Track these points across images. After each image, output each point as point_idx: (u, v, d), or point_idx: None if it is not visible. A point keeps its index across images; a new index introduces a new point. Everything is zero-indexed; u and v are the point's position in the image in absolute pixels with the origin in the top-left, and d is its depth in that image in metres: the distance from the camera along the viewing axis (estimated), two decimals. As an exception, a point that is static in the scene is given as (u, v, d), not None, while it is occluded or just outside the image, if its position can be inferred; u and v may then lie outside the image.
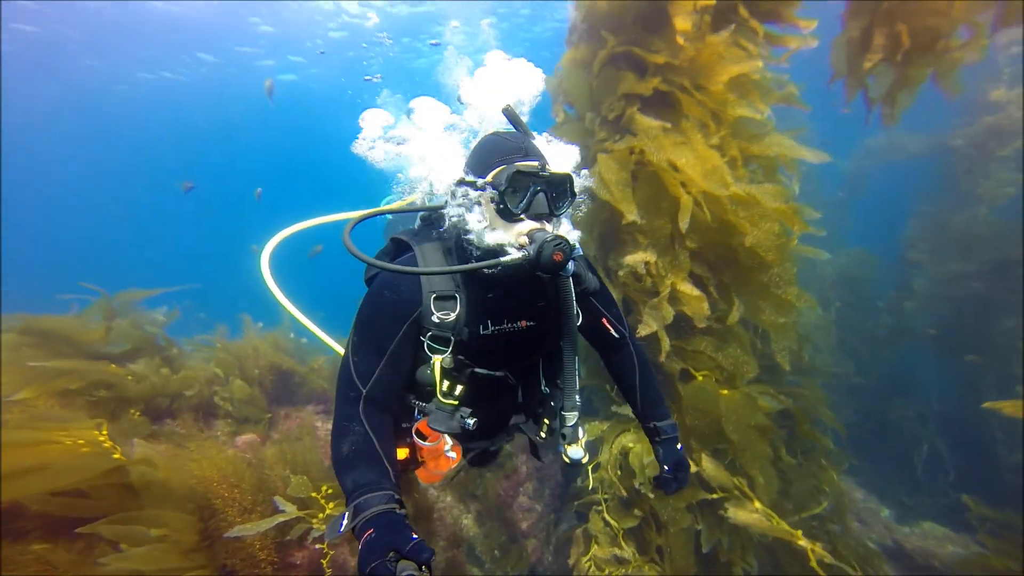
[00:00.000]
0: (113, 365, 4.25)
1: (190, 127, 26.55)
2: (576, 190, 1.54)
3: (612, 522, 4.42)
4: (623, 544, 4.34)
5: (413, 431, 1.60)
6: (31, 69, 16.65)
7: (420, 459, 1.69)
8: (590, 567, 4.37)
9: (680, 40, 3.62)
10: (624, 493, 4.29)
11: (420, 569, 1.05)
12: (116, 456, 3.08)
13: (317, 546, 3.64)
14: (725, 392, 3.80)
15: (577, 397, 1.68)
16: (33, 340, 4.18)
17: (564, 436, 1.72)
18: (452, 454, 1.62)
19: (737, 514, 3.62)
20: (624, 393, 1.94)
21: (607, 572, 4.33)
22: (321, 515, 3.40)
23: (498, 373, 1.67)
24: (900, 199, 11.75)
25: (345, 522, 1.21)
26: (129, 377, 4.26)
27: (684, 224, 3.36)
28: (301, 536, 3.44)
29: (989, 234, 8.38)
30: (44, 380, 3.73)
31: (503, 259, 1.39)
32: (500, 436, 1.95)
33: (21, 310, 4.36)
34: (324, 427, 5.20)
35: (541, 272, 1.38)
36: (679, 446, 1.85)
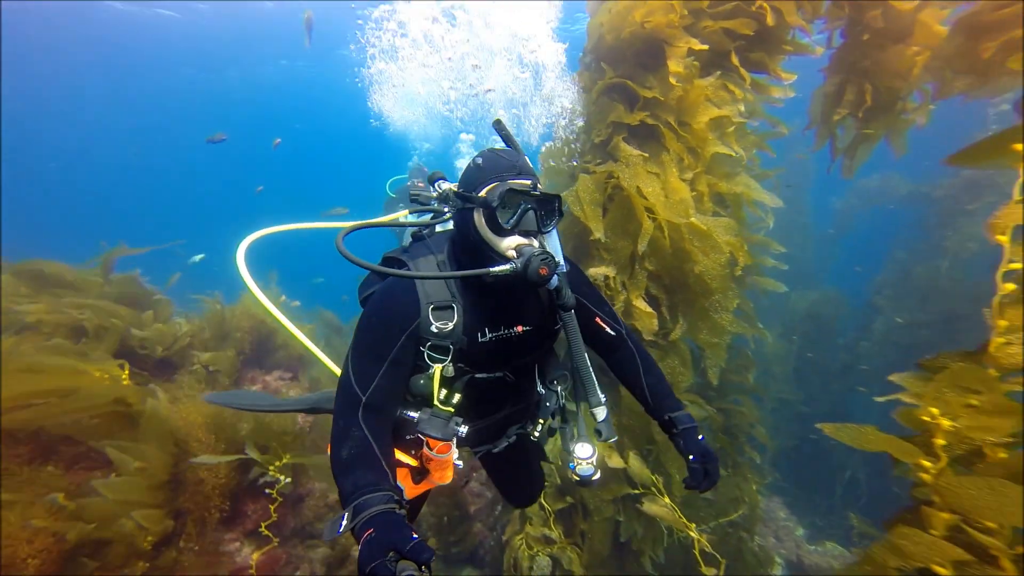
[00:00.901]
0: (123, 309, 4.56)
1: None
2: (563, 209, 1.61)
3: (546, 506, 4.86)
4: (552, 526, 4.79)
5: (425, 443, 1.62)
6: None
7: (427, 469, 1.71)
8: (521, 544, 4.82)
9: (672, 80, 3.91)
10: (559, 481, 4.72)
11: (420, 569, 1.05)
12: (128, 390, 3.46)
13: (268, 491, 4.02)
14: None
15: (600, 394, 1.73)
16: (35, 284, 4.48)
17: (571, 450, 1.79)
18: (459, 463, 1.69)
19: (650, 507, 4.06)
20: (632, 391, 1.94)
21: (535, 550, 4.79)
22: (277, 463, 3.77)
23: (497, 374, 1.74)
24: (881, 242, 12.19)
25: (344, 522, 1.20)
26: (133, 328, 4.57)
27: (642, 247, 3.71)
28: (253, 481, 3.81)
29: (947, 287, 8.84)
30: (61, 312, 4.05)
31: (492, 269, 1.45)
32: (501, 439, 1.99)
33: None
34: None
35: (527, 284, 1.45)
36: (700, 436, 1.80)
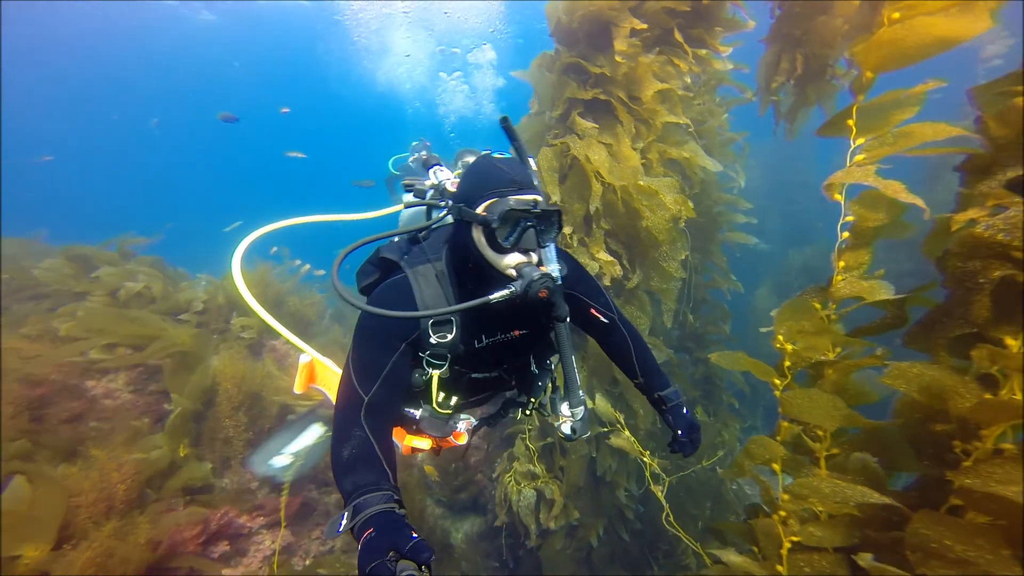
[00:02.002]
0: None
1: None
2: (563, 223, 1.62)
3: (530, 445, 5.50)
4: (536, 463, 5.44)
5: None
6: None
7: (440, 447, 1.94)
8: (510, 480, 5.49)
9: (618, 58, 4.32)
10: (538, 424, 5.34)
11: (420, 569, 1.05)
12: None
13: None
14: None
15: (581, 393, 1.78)
16: (82, 265, 5.31)
17: (555, 412, 1.87)
18: (465, 433, 1.84)
19: (616, 441, 4.64)
20: (624, 370, 2.04)
21: (522, 484, 5.46)
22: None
23: (492, 374, 1.79)
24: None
25: (344, 522, 1.21)
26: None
27: (593, 207, 4.20)
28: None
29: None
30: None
31: (493, 297, 1.45)
32: (495, 416, 2.13)
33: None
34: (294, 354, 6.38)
35: (526, 306, 1.47)
36: (685, 410, 1.97)
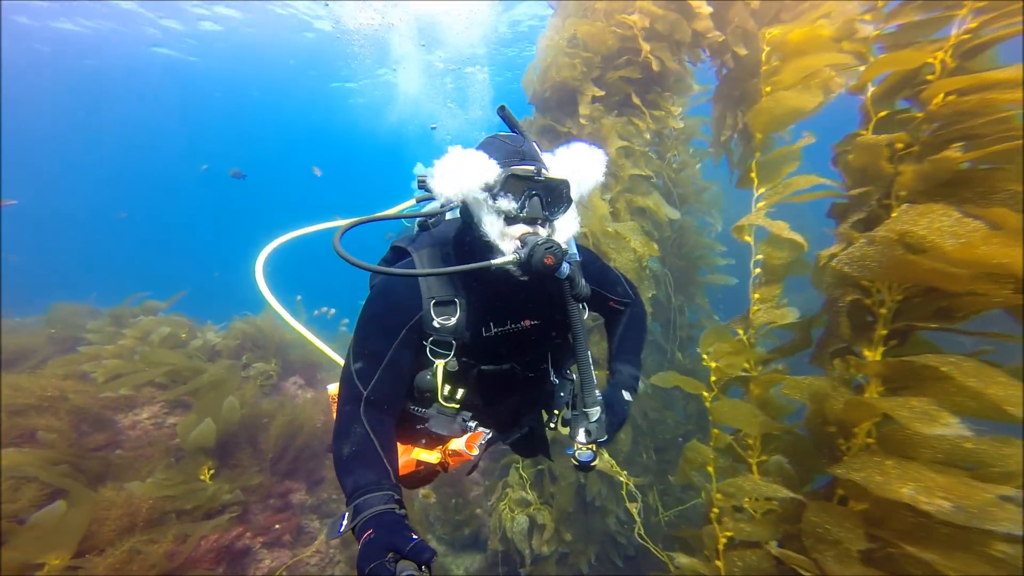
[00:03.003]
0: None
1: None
2: (572, 195, 1.52)
3: (523, 473, 5.85)
4: (528, 490, 5.77)
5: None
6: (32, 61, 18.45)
7: (448, 462, 1.71)
8: (504, 508, 5.82)
9: (582, 121, 4.98)
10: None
11: (420, 569, 1.04)
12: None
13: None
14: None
15: (597, 392, 1.64)
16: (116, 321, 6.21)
17: (575, 436, 1.63)
18: (476, 452, 1.63)
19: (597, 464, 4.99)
20: (609, 341, 1.96)
21: (515, 511, 5.78)
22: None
23: (505, 367, 1.68)
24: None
25: (345, 522, 1.21)
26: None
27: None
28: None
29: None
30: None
31: (494, 261, 1.39)
32: (512, 431, 1.95)
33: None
34: (301, 394, 6.89)
35: (533, 275, 1.40)
36: (624, 392, 1.77)
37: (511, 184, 1.43)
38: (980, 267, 1.95)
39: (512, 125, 1.68)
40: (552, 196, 1.48)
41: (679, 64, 4.89)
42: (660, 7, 4.66)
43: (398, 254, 1.71)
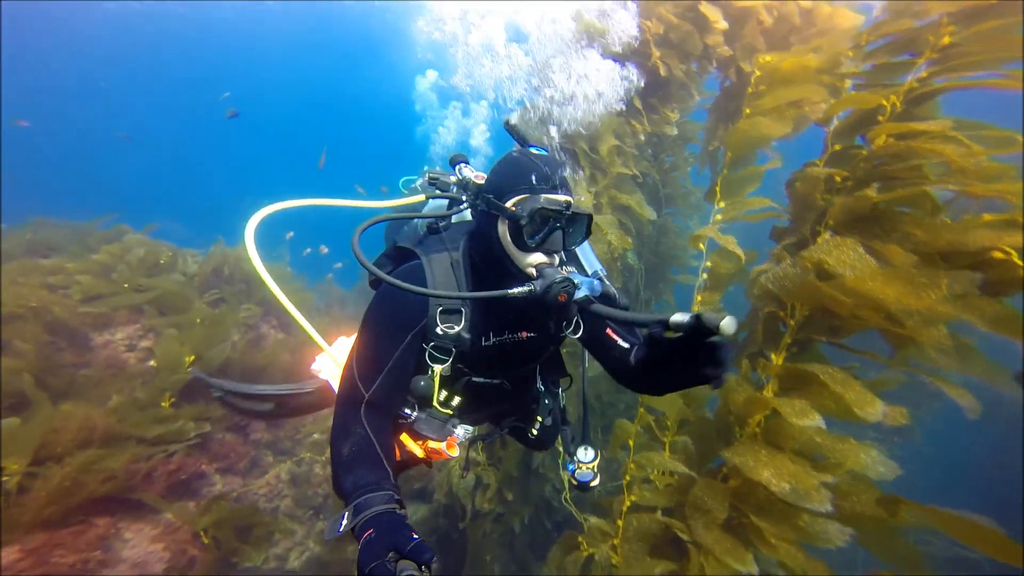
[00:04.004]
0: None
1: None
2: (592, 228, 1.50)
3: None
4: (479, 451, 6.17)
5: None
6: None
7: (430, 459, 1.74)
8: (454, 465, 6.22)
9: (582, 114, 5.23)
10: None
11: (420, 569, 1.05)
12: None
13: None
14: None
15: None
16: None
17: (572, 455, 1.73)
18: (456, 452, 1.68)
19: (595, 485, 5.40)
20: (622, 378, 1.69)
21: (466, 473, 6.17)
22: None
23: (495, 381, 1.69)
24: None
25: (344, 522, 1.21)
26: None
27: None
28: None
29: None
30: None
31: (509, 292, 1.38)
32: (495, 431, 2.00)
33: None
34: (274, 335, 7.30)
35: (544, 308, 1.39)
36: None
37: (539, 214, 1.40)
38: (864, 298, 2.28)
39: (523, 141, 1.65)
40: (574, 229, 1.49)
41: (685, 74, 5.12)
42: (677, 16, 4.88)
43: (404, 255, 1.69)
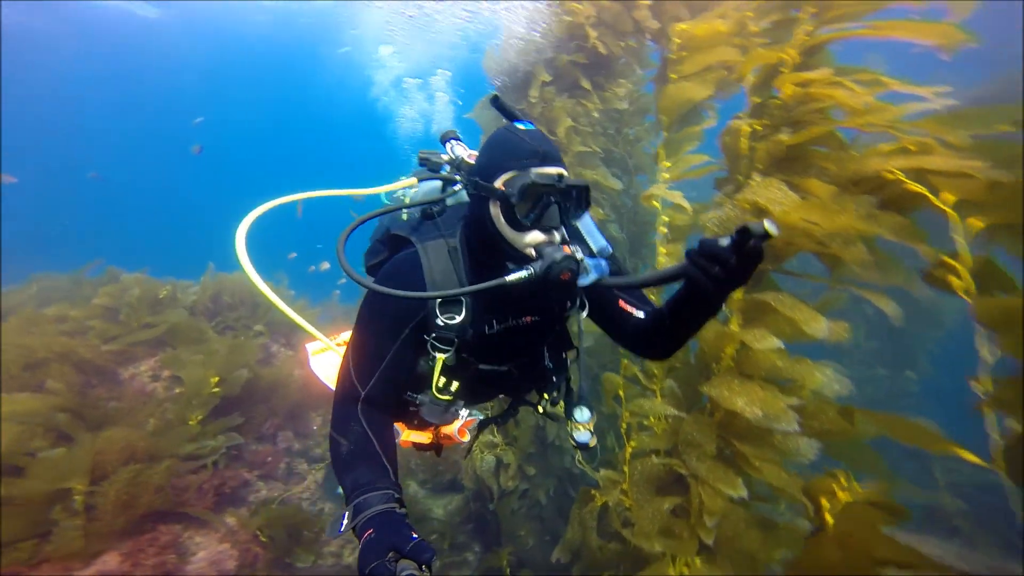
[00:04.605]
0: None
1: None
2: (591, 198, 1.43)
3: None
4: (495, 433, 6.50)
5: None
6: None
7: (440, 444, 1.76)
8: (476, 450, 6.56)
9: (532, 100, 5.51)
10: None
11: (420, 569, 1.05)
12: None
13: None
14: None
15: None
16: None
17: (570, 417, 1.71)
18: (467, 437, 1.68)
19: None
20: (640, 349, 1.67)
21: (484, 452, 6.52)
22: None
23: (502, 368, 1.65)
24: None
25: (345, 522, 1.21)
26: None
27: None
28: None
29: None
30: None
31: (509, 279, 1.31)
32: (505, 414, 2.00)
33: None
34: (283, 352, 7.59)
35: (547, 289, 1.33)
36: None
37: (529, 190, 1.33)
38: (793, 228, 2.59)
39: (510, 115, 1.56)
40: (571, 202, 1.40)
41: (624, 50, 5.39)
42: (605, -3, 5.16)
43: (399, 243, 1.64)
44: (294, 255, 10.33)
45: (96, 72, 26.62)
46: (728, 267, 1.03)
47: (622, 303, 1.60)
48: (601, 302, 1.61)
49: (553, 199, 1.35)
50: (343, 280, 11.82)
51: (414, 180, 1.94)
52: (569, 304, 1.59)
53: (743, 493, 2.79)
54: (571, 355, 1.86)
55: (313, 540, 5.33)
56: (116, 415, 5.23)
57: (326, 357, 2.19)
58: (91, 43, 22.01)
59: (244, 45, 23.99)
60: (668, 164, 3.71)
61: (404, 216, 1.77)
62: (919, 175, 2.22)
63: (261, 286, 1.64)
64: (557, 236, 1.41)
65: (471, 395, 1.69)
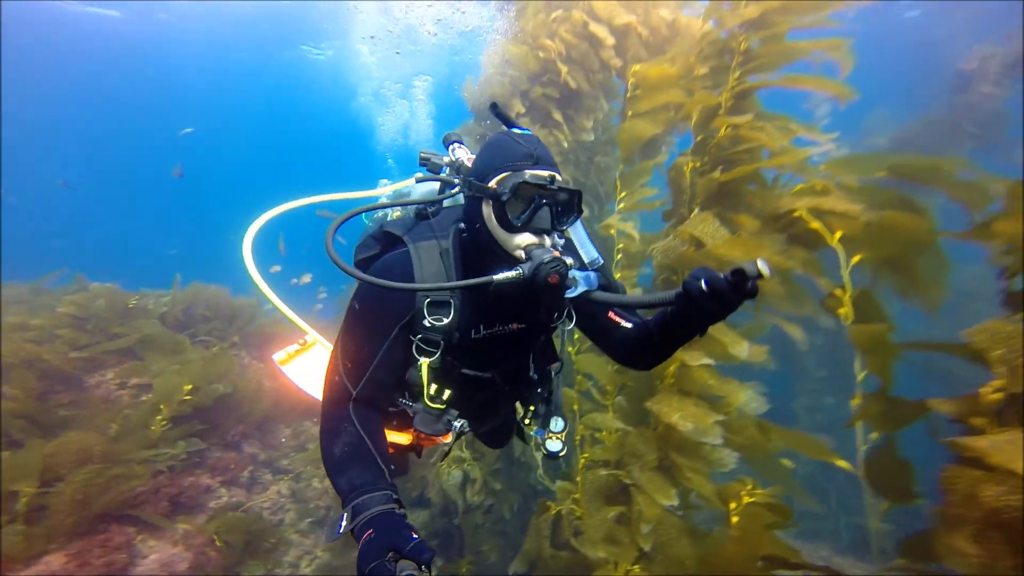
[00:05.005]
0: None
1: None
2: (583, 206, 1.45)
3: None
4: (463, 448, 6.64)
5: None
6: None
7: (420, 446, 1.75)
8: (444, 465, 6.69)
9: (508, 130, 5.83)
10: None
11: (420, 569, 1.05)
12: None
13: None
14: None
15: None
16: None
17: (546, 427, 1.74)
18: (449, 439, 1.66)
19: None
20: (629, 361, 1.70)
21: (451, 467, 6.64)
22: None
23: (486, 375, 1.65)
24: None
25: (344, 523, 1.20)
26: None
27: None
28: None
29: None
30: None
31: (496, 277, 1.32)
32: (488, 422, 1.94)
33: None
34: (255, 364, 7.69)
35: (535, 292, 1.33)
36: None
37: (522, 190, 1.35)
38: (719, 260, 2.87)
39: (508, 122, 1.60)
40: (563, 206, 1.42)
41: (591, 86, 5.76)
42: (575, 38, 5.53)
43: (391, 241, 1.63)
44: (278, 268, 10.42)
45: (70, 76, 26.55)
46: (723, 302, 1.10)
47: (611, 314, 1.63)
48: (591, 311, 1.63)
49: (545, 201, 1.37)
50: (323, 294, 11.88)
51: (411, 181, 1.95)
52: (556, 315, 1.60)
53: (674, 502, 3.02)
54: (555, 367, 1.87)
55: (271, 550, 5.37)
56: (75, 420, 5.26)
57: (296, 364, 2.22)
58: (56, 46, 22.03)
59: (225, 50, 24.20)
60: (624, 195, 4.00)
61: (398, 214, 1.77)
62: (819, 214, 2.53)
63: (269, 294, 1.75)
64: (548, 241, 1.42)
65: (464, 405, 1.66)
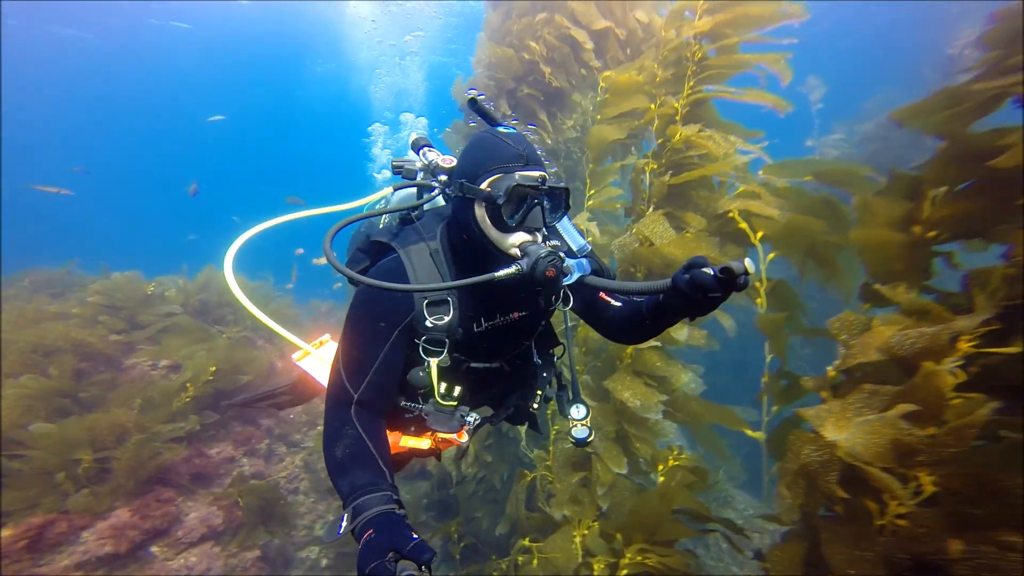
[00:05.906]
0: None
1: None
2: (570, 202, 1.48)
3: (453, 413, 7.19)
4: (457, 426, 7.12)
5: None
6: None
7: (438, 446, 1.72)
8: (440, 441, 7.19)
9: (496, 128, 6.18)
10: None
11: (420, 569, 1.06)
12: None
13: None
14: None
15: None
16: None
17: (567, 415, 1.78)
18: (465, 437, 1.64)
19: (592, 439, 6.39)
20: (622, 336, 1.71)
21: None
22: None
23: (493, 365, 1.68)
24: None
25: (344, 524, 1.21)
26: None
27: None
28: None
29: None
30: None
31: (496, 275, 1.35)
32: (499, 412, 1.96)
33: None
34: (268, 347, 8.22)
35: (534, 286, 1.35)
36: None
37: (515, 191, 1.37)
38: (665, 258, 3.26)
39: (489, 119, 1.63)
40: (553, 204, 1.47)
41: (572, 86, 6.08)
42: (557, 41, 5.83)
43: (381, 249, 1.65)
44: (301, 251, 10.93)
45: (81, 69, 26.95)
46: (711, 295, 1.13)
47: (602, 294, 1.66)
48: (583, 293, 1.67)
49: (536, 201, 1.41)
50: (338, 286, 12.42)
51: (389, 190, 1.96)
52: (554, 298, 1.64)
53: (624, 470, 3.47)
54: (558, 351, 1.91)
55: (288, 515, 5.97)
56: (111, 398, 5.86)
57: (311, 360, 2.28)
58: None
59: (231, 47, 24.52)
60: (592, 192, 4.37)
61: (382, 222, 1.81)
62: (747, 216, 2.92)
63: (247, 303, 1.79)
64: (539, 237, 1.46)
65: (474, 399, 1.71)
